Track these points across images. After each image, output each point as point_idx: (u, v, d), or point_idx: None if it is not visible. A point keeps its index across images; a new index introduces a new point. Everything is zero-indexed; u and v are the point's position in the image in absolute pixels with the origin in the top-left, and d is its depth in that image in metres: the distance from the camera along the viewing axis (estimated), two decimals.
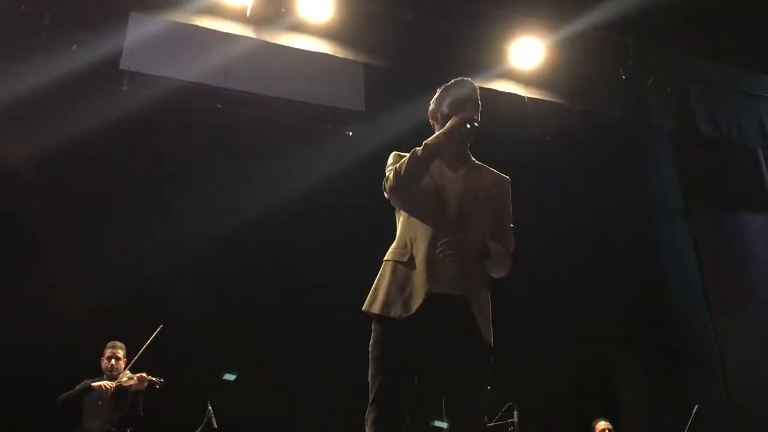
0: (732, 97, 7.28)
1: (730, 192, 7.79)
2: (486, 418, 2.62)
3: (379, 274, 2.68)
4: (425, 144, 2.61)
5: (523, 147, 7.01)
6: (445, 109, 2.75)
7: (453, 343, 2.54)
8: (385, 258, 2.70)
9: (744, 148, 7.55)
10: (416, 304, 2.51)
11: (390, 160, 2.77)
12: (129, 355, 5.39)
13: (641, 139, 7.93)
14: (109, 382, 5.21)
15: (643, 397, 7.32)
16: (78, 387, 5.22)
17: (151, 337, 5.28)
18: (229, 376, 6.48)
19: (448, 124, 2.64)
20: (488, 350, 2.59)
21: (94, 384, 5.18)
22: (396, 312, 2.53)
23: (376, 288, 2.65)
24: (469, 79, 2.82)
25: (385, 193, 2.70)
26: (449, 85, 2.82)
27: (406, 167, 2.57)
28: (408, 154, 2.73)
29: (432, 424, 6.16)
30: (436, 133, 2.68)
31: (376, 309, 2.58)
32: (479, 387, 2.58)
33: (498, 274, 2.75)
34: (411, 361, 2.54)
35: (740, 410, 6.93)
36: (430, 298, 2.51)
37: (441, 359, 2.56)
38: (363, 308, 2.65)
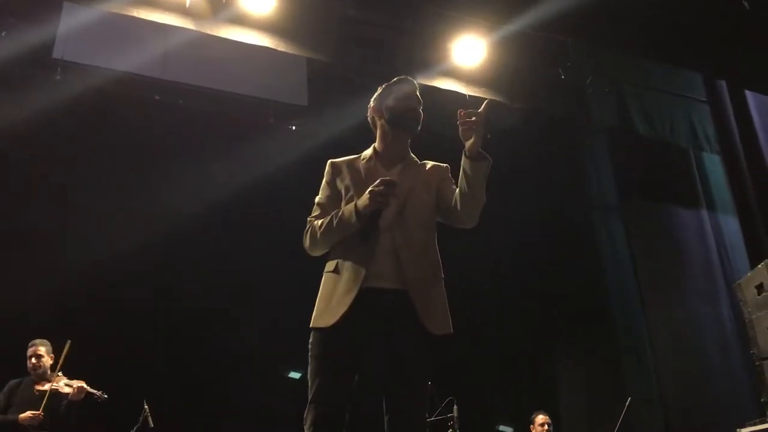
0: (665, 97, 7.52)
1: (663, 189, 8.02)
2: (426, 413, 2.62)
3: None
4: (340, 217, 2.62)
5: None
6: (390, 102, 2.77)
7: (390, 337, 2.55)
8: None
9: (677, 147, 7.80)
10: (347, 303, 2.51)
11: (325, 177, 2.81)
12: (55, 353, 5.17)
13: (580, 136, 8.12)
14: (35, 413, 4.83)
15: (580, 389, 7.50)
16: (2, 417, 4.91)
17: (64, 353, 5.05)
18: (294, 375, 6.31)
19: (361, 201, 2.58)
20: (426, 341, 2.57)
21: (22, 416, 4.84)
22: (326, 321, 2.54)
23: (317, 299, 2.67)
24: (409, 77, 2.85)
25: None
26: (392, 83, 2.85)
27: (320, 239, 2.66)
28: (344, 161, 2.79)
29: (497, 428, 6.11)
30: (352, 210, 2.60)
31: (313, 323, 2.60)
32: (418, 379, 2.57)
33: (474, 208, 2.67)
34: (350, 359, 2.54)
35: (670, 400, 7.16)
36: (363, 293, 2.51)
37: (379, 354, 2.57)
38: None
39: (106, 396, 5.00)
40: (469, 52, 6.41)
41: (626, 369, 7.30)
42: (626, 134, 7.45)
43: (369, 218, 2.55)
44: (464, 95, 6.60)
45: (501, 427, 5.92)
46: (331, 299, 2.57)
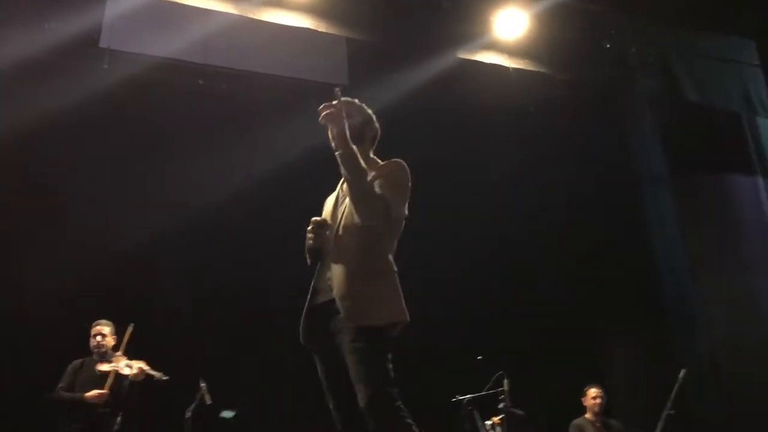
0: (715, 63, 7.30)
1: (714, 157, 7.82)
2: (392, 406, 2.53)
3: None
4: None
5: (509, 117, 6.98)
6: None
7: (335, 345, 2.64)
8: None
9: (728, 113, 7.58)
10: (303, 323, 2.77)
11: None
12: (117, 335, 5.26)
13: (625, 107, 7.95)
14: (101, 392, 4.92)
15: (632, 362, 7.43)
16: (70, 396, 4.98)
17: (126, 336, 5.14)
18: (227, 414, 6.30)
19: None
20: (359, 336, 2.55)
21: (88, 395, 4.90)
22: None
23: None
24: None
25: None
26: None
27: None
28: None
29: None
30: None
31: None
32: (366, 375, 2.53)
33: (354, 202, 2.70)
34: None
35: (724, 371, 7.05)
36: (312, 311, 2.74)
37: (334, 362, 2.67)
38: None
39: (166, 378, 5.00)
40: (511, 24, 6.31)
41: (679, 341, 7.19)
42: (673, 103, 7.28)
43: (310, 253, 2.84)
44: (507, 68, 6.51)
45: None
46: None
